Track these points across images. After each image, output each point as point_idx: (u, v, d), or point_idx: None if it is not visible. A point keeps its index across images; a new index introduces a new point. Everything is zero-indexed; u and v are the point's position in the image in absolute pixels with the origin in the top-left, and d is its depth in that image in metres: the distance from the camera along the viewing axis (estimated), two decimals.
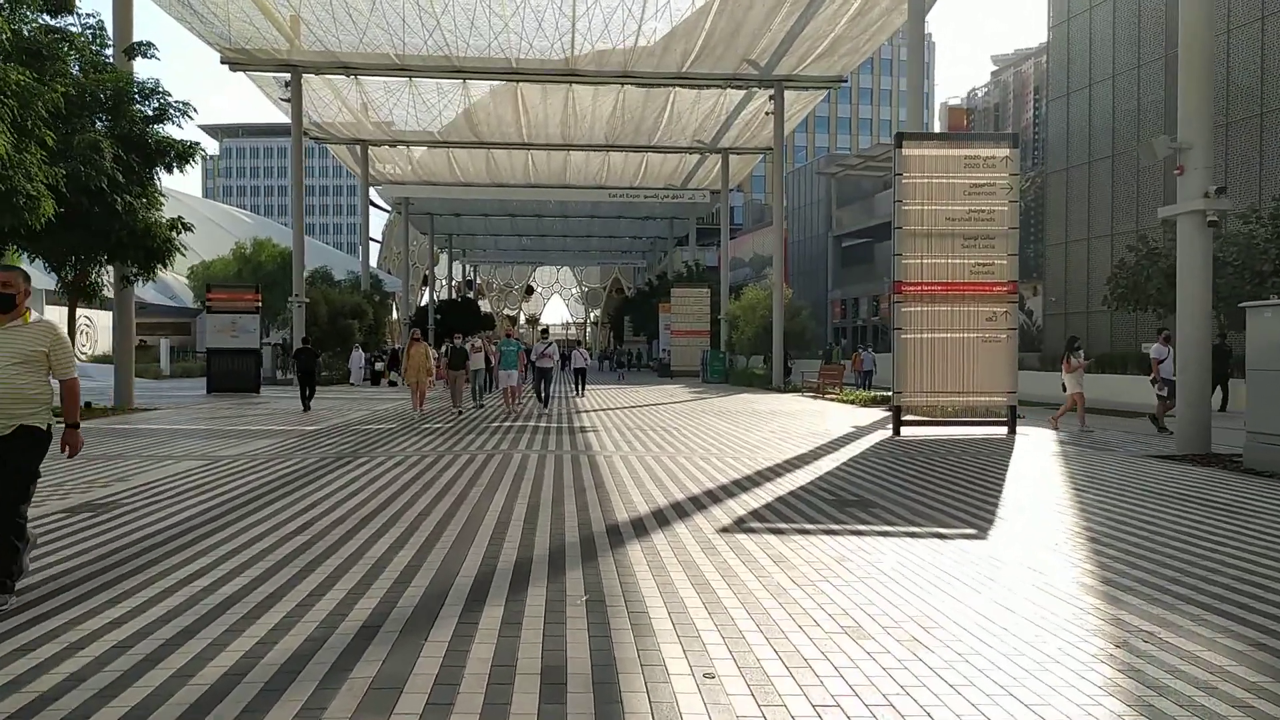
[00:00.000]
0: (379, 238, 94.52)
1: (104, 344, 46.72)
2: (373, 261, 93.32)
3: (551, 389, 19.67)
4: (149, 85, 17.17)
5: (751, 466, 10.40)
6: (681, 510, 7.46)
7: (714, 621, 4.38)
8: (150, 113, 17.27)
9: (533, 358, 19.99)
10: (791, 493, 8.49)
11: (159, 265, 18.05)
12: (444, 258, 77.32)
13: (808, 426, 16.03)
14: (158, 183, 18.02)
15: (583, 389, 26.95)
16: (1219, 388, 19.96)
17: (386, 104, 36.78)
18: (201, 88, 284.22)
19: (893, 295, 14.54)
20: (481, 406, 19.21)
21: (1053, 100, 34.69)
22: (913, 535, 6.56)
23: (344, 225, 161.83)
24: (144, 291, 67.94)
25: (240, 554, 5.75)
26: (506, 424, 15.74)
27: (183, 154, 17.80)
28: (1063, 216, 34.78)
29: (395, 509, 7.42)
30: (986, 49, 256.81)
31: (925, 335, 14.45)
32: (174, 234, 18.20)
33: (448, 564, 5.52)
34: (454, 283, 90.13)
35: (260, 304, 25.84)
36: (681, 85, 33.60)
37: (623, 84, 33.61)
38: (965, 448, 12.62)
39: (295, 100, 31.87)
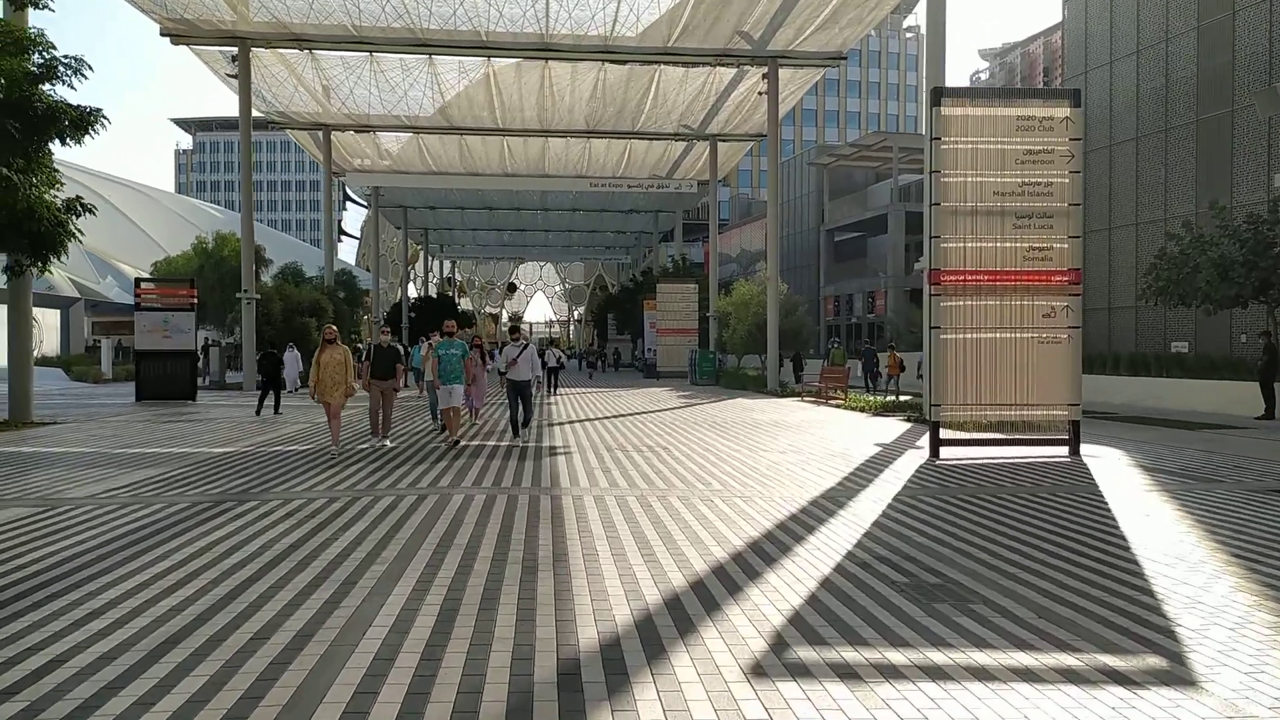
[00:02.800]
0: (357, 234, 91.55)
1: (50, 344, 43.63)
2: (351, 258, 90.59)
3: (531, 411, 13.75)
4: (24, 34, 14.28)
5: (770, 513, 7.75)
6: (683, 616, 4.79)
7: None
8: (34, 69, 14.40)
9: (499, 367, 13.92)
10: (839, 567, 5.84)
11: (50, 254, 15.17)
12: (423, 255, 74.31)
13: (822, 443, 13.41)
14: (47, 156, 15.17)
15: (555, 390, 26.64)
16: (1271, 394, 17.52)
17: (347, 83, 33.88)
18: (173, 80, 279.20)
19: (929, 285, 11.92)
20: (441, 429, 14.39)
21: (1069, 80, 32.22)
22: (1072, 675, 3.93)
23: (321, 221, 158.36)
24: (106, 289, 64.74)
25: None
26: (457, 443, 13.05)
27: (78, 122, 14.95)
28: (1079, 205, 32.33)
29: (227, 616, 4.72)
30: (973, 43, 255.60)
31: (969, 335, 11.85)
32: (70, 216, 15.35)
33: None
34: (434, 280, 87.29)
35: (195, 300, 22.94)
36: (667, 62, 30.91)
37: (603, 61, 30.91)
38: (1031, 478, 10.02)
39: (243, 76, 28.99)
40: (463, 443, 13.18)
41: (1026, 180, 11.88)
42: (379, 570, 5.57)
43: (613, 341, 61.63)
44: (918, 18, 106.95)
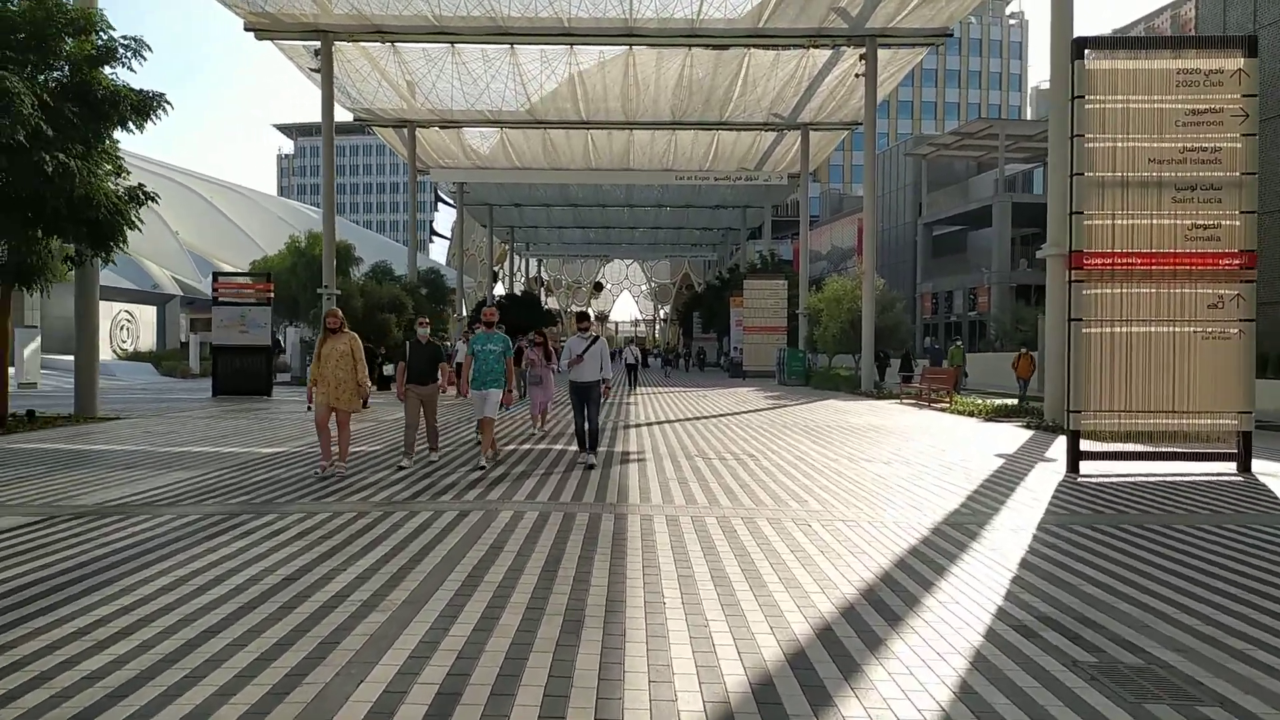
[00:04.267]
0: (447, 234, 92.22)
1: (146, 340, 44.75)
2: (442, 258, 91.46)
3: (600, 421, 10.62)
4: (81, 12, 13.72)
5: (882, 544, 6.21)
6: (778, 715, 3.35)
7: None
8: (93, 52, 13.85)
9: (563, 366, 11.09)
10: (991, 633, 4.30)
11: (113, 243, 14.63)
12: (509, 253, 74.28)
13: (932, 453, 11.70)
14: (109, 143, 14.64)
15: (634, 389, 26.92)
16: None
17: (430, 76, 33.35)
18: (277, 86, 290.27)
19: (1069, 271, 10.10)
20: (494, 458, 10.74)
21: None
22: None
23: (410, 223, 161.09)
24: (206, 287, 66.80)
25: None
26: (484, 466, 9.78)
27: (140, 107, 14.36)
28: (1253, 175, 29.14)
29: (154, 691, 3.51)
30: (1085, 28, 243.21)
31: (1118, 329, 9.99)
32: (133, 205, 14.80)
33: None
34: (524, 278, 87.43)
35: (272, 294, 22.52)
36: (757, 45, 29.28)
37: (690, 45, 29.48)
38: (1202, 501, 8.18)
39: (325, 69, 28.63)
40: (495, 466, 10.03)
41: (1189, 145, 9.95)
42: (374, 624, 4.29)
43: (698, 340, 60.12)
44: (1020, 2, 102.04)
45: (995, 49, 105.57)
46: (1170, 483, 9.38)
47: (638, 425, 15.57)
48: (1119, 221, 9.98)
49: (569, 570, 5.32)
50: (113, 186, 14.75)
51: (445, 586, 4.90)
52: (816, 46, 29.31)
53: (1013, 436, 14.10)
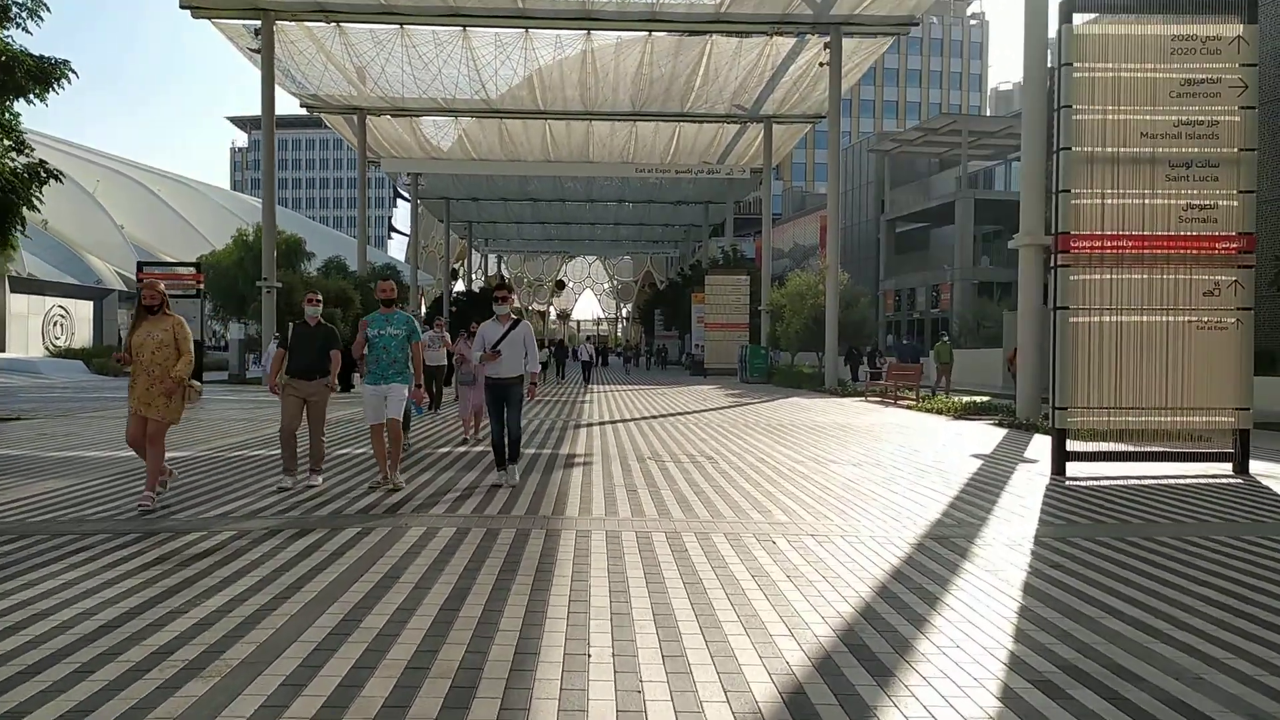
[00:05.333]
0: (408, 231, 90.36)
1: (82, 336, 42.67)
2: (402, 255, 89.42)
3: (521, 426, 8.35)
4: None
5: (860, 565, 5.23)
6: None
7: None
8: None
9: (474, 359, 8.57)
10: (1007, 691, 3.31)
11: (10, 227, 13.26)
12: (467, 249, 72.66)
13: (904, 454, 10.81)
14: (7, 116, 13.28)
15: (588, 385, 26.52)
16: None
17: (379, 60, 31.92)
18: (227, 78, 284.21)
19: (1056, 254, 9.24)
20: (408, 449, 10.00)
21: None
22: None
23: (372, 218, 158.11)
24: None
25: None
26: (394, 487, 7.74)
27: (38, 74, 13.01)
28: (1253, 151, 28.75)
29: None
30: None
31: (1107, 318, 9.15)
32: (33, 184, 13.44)
33: None
34: (484, 275, 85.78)
35: (201, 286, 21.06)
36: (720, 31, 28.34)
37: (650, 30, 28.48)
38: (1209, 507, 7.33)
39: (266, 50, 27.17)
40: (403, 485, 7.86)
41: (1184, 119, 9.14)
42: (187, 699, 3.19)
43: (660, 338, 59.17)
44: (981, 3, 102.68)
45: (956, 49, 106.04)
46: (1165, 486, 8.56)
47: (589, 425, 14.52)
48: (1110, 201, 9.14)
49: (475, 609, 4.24)
50: (9, 164, 13.39)
51: (305, 638, 3.79)
52: (780, 34, 28.46)
53: (986, 435, 13.28)
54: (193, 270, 21.42)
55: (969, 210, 46.72)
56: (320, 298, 8.25)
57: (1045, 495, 7.96)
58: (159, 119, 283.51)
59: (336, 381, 8.04)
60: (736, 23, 27.44)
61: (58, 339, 40.65)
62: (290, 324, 8.14)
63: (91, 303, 44.36)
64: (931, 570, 5.16)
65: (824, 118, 36.12)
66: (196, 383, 6.90)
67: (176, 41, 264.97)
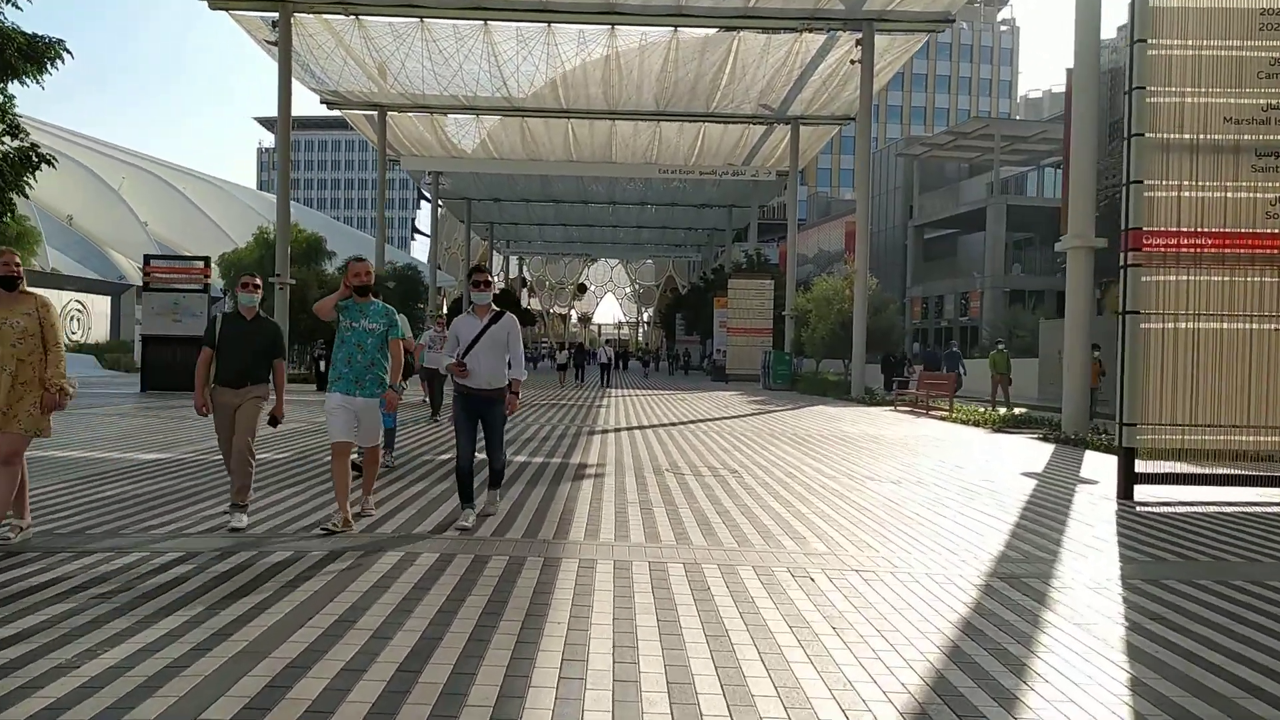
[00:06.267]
0: (429, 233, 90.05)
1: (99, 331, 42.36)
2: (424, 256, 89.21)
3: (504, 454, 6.80)
4: None
5: (921, 614, 4.32)
6: None
7: None
8: None
9: (444, 362, 6.48)
10: None
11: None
12: (489, 250, 72.11)
13: (948, 471, 9.84)
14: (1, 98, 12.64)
15: (607, 388, 26.12)
16: None
17: (399, 55, 31.30)
18: (260, 80, 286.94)
19: (1125, 253, 8.26)
20: (390, 468, 8.68)
21: None
22: None
23: (396, 219, 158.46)
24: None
25: None
26: (350, 519, 5.93)
27: (31, 53, 12.36)
28: None
29: None
30: (1069, 41, 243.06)
31: (1183, 324, 8.16)
32: (26, 168, 12.79)
33: None
34: (504, 277, 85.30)
35: (209, 279, 20.43)
36: (747, 27, 27.46)
37: (675, 25, 27.63)
38: None
39: (284, 41, 26.55)
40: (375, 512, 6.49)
41: (1273, 102, 8.15)
42: None
43: (681, 343, 58.23)
44: (1012, 9, 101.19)
45: (986, 54, 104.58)
46: (1251, 515, 7.58)
47: (604, 431, 13.65)
48: (1186, 194, 8.15)
49: (440, 670, 3.37)
50: (1, 147, 12.76)
51: (215, 712, 2.94)
52: (810, 30, 27.50)
53: (1033, 451, 12.27)
54: (201, 264, 20.69)
55: (1000, 216, 45.46)
56: (259, 282, 6.23)
57: (1118, 524, 6.99)
58: (185, 119, 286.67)
59: (283, 410, 6.14)
60: (765, 18, 26.53)
61: (74, 333, 40.34)
62: (218, 315, 6.18)
63: (109, 298, 44.05)
64: (1007, 623, 4.24)
65: (853, 119, 35.14)
66: (72, 386, 5.26)
67: (212, 42, 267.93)
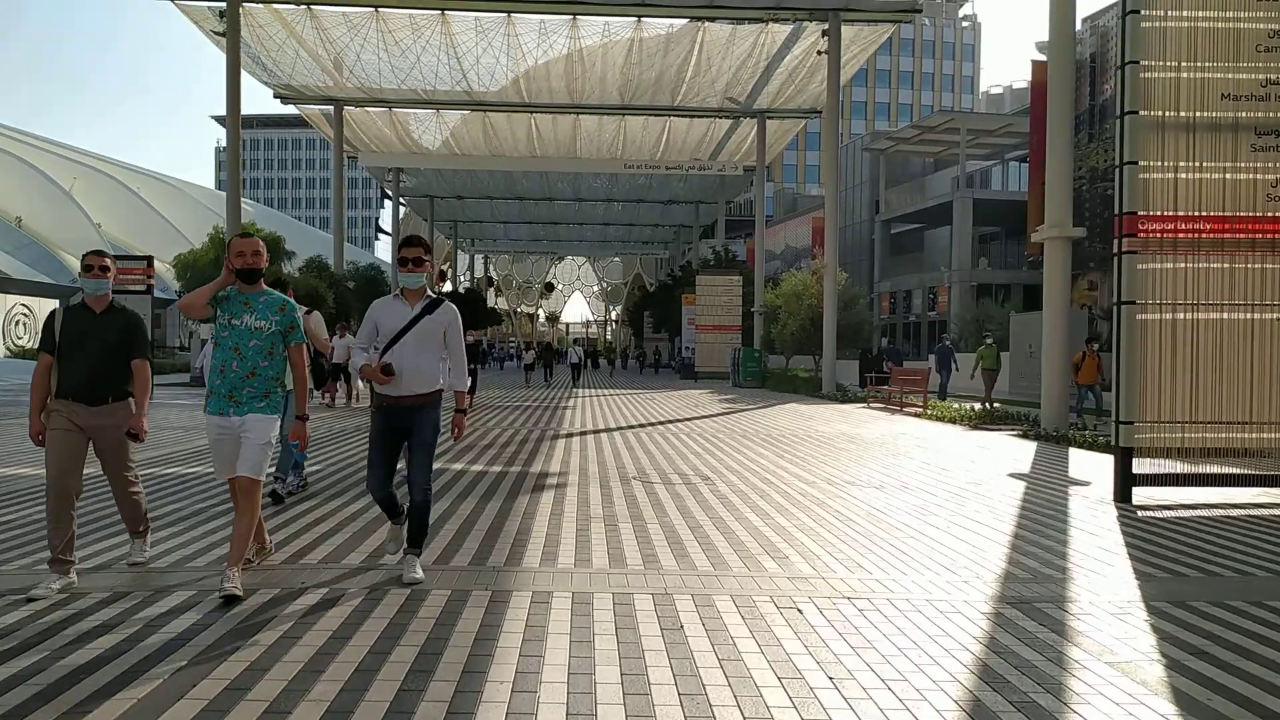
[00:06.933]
0: (392, 231, 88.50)
1: None
2: (388, 256, 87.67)
3: (430, 484, 4.83)
4: None
5: (925, 652, 3.70)
6: None
7: None
8: None
9: (357, 360, 4.76)
10: None
11: None
12: (453, 248, 70.95)
13: (931, 473, 9.29)
14: None
15: (575, 386, 25.70)
16: None
17: (354, 46, 30.31)
18: (216, 78, 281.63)
19: (1120, 239, 7.74)
20: (303, 486, 7.73)
21: None
22: None
23: (359, 219, 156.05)
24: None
25: None
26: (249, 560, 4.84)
27: None
28: None
29: None
30: (1029, 38, 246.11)
31: (1181, 315, 7.66)
32: None
33: None
34: (475, 277, 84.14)
35: (152, 280, 19.40)
36: (712, 17, 26.86)
37: (639, 15, 26.98)
38: None
39: (232, 32, 25.52)
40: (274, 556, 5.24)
41: (1273, 77, 7.68)
42: None
43: (650, 341, 57.61)
44: (974, 5, 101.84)
45: (948, 50, 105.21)
46: (1260, 519, 7.08)
47: (569, 435, 12.96)
48: (1184, 175, 7.66)
49: None
50: None
51: None
52: (776, 20, 26.98)
53: (1015, 450, 11.79)
54: (145, 264, 19.63)
55: (967, 210, 45.36)
56: (108, 264, 4.80)
57: (1123, 532, 6.45)
58: (142, 119, 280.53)
59: (145, 424, 4.70)
60: (730, 8, 25.98)
61: (20, 338, 38.83)
62: (59, 310, 4.70)
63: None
64: (1028, 663, 3.63)
65: (819, 113, 34.76)
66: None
67: (166, 38, 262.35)
